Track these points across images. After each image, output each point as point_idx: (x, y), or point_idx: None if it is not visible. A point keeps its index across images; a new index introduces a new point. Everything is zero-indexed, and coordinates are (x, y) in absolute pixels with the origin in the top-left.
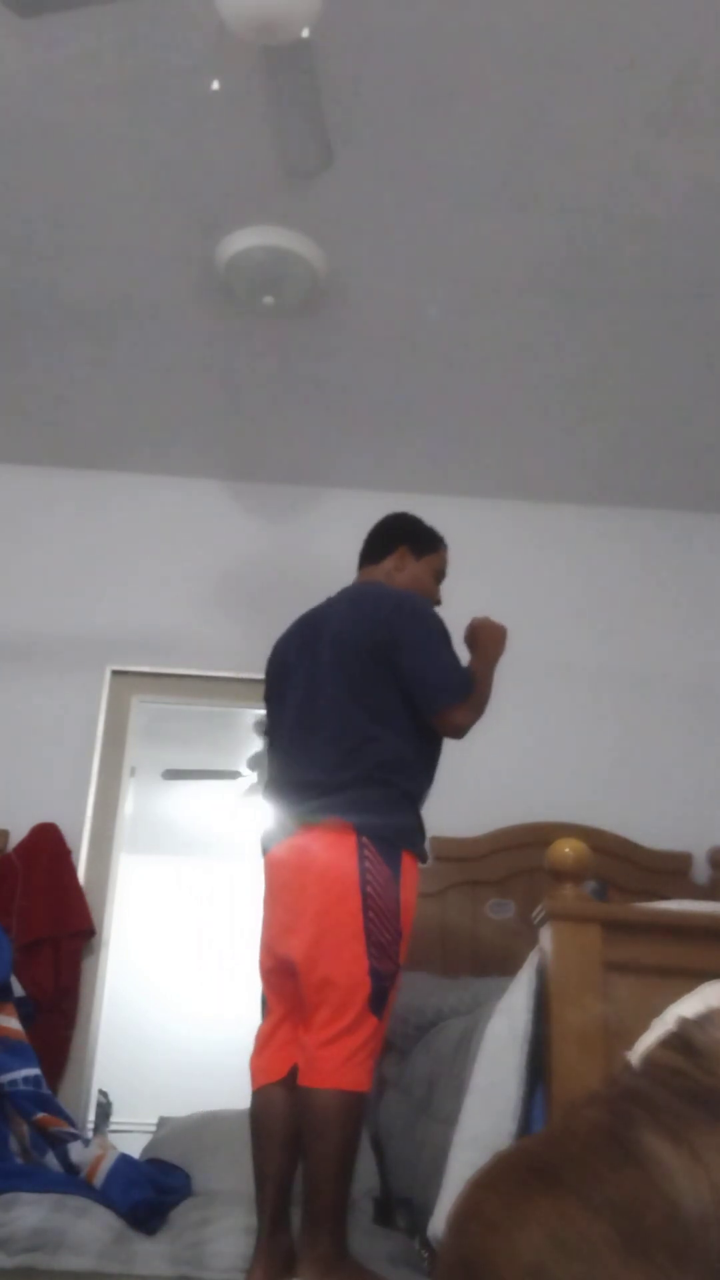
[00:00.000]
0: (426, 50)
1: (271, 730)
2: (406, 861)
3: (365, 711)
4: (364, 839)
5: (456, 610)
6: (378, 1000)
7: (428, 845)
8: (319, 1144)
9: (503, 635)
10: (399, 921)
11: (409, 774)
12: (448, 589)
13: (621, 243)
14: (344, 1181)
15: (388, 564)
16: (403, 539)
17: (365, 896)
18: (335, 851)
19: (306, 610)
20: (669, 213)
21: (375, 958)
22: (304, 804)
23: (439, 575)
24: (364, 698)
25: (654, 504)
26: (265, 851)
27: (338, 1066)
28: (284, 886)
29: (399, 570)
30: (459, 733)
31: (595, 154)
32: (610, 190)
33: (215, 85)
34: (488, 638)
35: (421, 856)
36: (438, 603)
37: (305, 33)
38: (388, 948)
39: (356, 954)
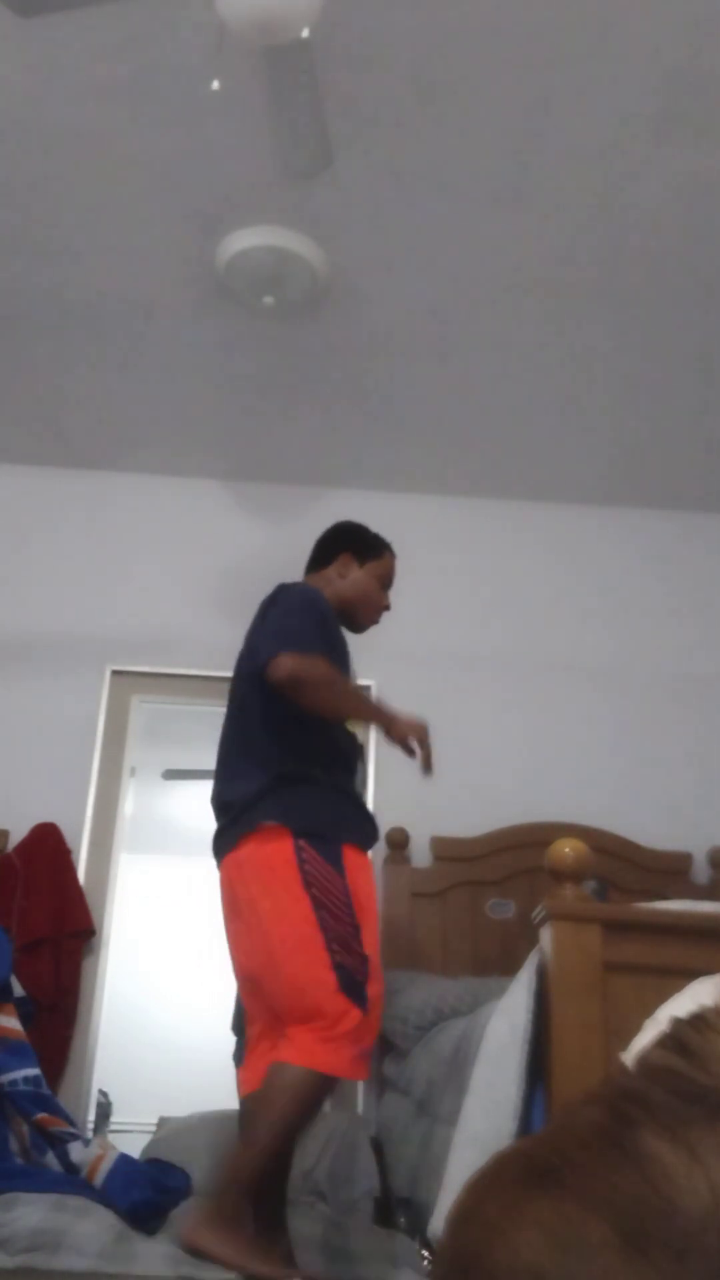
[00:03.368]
0: (426, 50)
1: None
2: (349, 854)
3: (261, 715)
4: (300, 841)
5: (456, 608)
6: (350, 987)
7: (428, 844)
8: (264, 1111)
9: (410, 730)
10: (354, 915)
11: (324, 766)
12: (449, 587)
13: (622, 242)
14: (271, 1157)
15: (330, 570)
16: (346, 545)
17: (313, 898)
18: (275, 859)
19: None
20: (669, 212)
21: (337, 953)
22: (236, 820)
23: (385, 581)
24: (260, 702)
25: (655, 504)
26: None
27: (311, 1045)
28: (234, 902)
29: (341, 576)
30: (284, 684)
31: (595, 154)
32: (610, 190)
33: (215, 85)
34: (402, 724)
35: (364, 845)
36: (385, 608)
37: (305, 33)
38: (348, 941)
39: (316, 954)
